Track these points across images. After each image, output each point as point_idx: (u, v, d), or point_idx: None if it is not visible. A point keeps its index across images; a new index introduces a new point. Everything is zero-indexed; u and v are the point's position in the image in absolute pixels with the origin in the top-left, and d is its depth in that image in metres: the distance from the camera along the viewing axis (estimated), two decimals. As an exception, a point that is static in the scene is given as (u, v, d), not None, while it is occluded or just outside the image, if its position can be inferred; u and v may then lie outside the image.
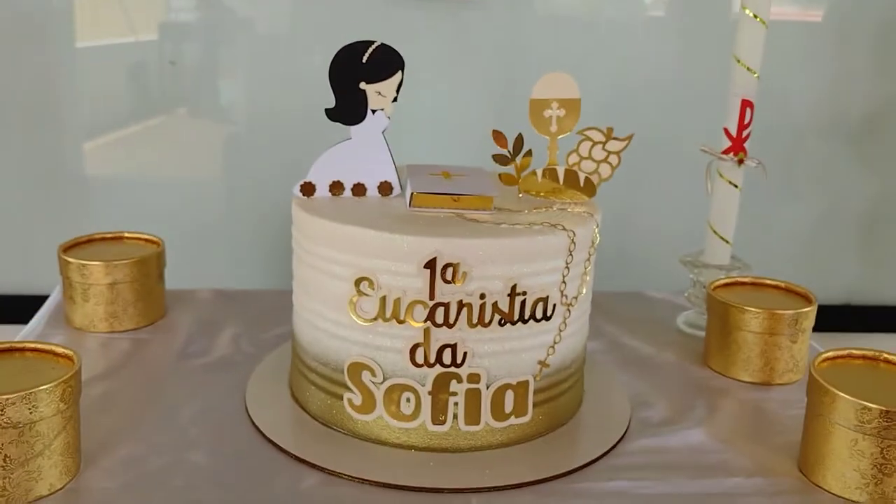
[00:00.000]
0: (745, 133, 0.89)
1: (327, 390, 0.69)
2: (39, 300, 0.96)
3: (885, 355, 0.69)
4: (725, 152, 0.90)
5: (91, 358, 0.80)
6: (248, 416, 0.71)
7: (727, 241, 0.93)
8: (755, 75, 0.87)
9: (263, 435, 0.68)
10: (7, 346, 0.64)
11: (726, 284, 0.89)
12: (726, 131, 0.89)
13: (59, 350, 0.63)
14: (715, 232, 0.93)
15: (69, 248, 0.88)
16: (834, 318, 1.29)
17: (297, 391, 0.74)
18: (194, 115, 1.10)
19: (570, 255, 0.67)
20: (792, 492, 0.65)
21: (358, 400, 0.67)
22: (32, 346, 0.64)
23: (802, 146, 1.16)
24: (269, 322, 0.91)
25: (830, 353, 0.69)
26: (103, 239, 0.91)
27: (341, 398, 0.68)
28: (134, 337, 0.86)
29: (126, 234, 0.92)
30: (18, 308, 1.06)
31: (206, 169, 1.10)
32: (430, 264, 0.62)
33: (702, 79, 1.08)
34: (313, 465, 0.64)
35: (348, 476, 0.63)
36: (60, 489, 0.60)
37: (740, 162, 0.89)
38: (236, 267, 1.11)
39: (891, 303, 1.29)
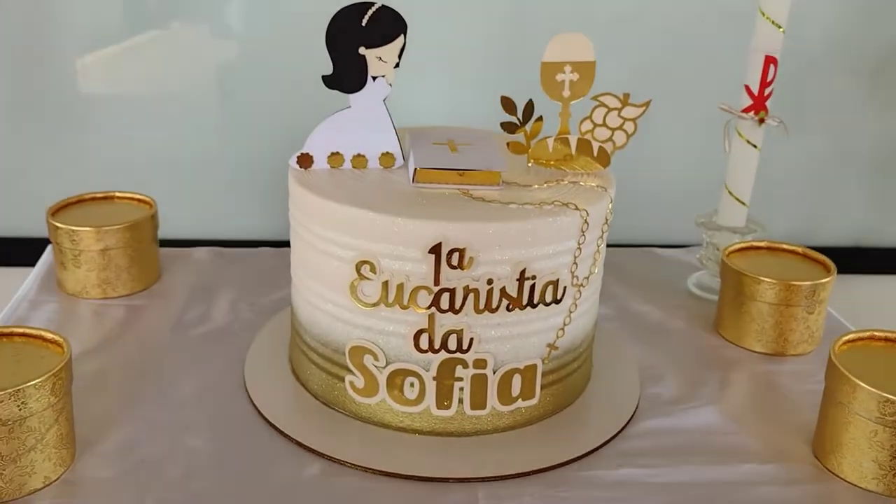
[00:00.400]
0: (767, 91, 0.84)
1: (328, 371, 0.67)
2: (31, 241, 0.94)
3: (907, 338, 0.67)
4: (746, 111, 0.85)
5: (84, 329, 0.78)
6: (248, 394, 0.69)
7: (744, 203, 0.89)
8: (781, 30, 0.81)
9: (264, 416, 0.67)
10: (-6, 331, 0.61)
11: (741, 249, 0.86)
12: (747, 89, 0.84)
13: (49, 335, 0.61)
14: (731, 193, 0.89)
15: (58, 210, 0.84)
16: (843, 260, 1.26)
17: (297, 368, 0.71)
18: (190, 28, 1.03)
19: (583, 235, 0.63)
20: (807, 480, 0.63)
21: (360, 383, 0.65)
22: (21, 331, 0.61)
23: (814, 81, 1.10)
24: (267, 285, 0.88)
25: (851, 336, 0.67)
26: (94, 199, 0.88)
27: (343, 380, 0.66)
28: (128, 303, 0.83)
29: (117, 195, 0.89)
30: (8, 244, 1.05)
31: (202, 85, 1.04)
32: (436, 249, 0.59)
33: (722, 27, 1.02)
34: (316, 452, 0.63)
35: (352, 464, 0.61)
36: (55, 480, 0.58)
37: (761, 121, 0.85)
38: (233, 190, 1.07)
39: (902, 245, 1.26)
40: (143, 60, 1.02)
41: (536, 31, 1.01)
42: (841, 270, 1.21)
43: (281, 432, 0.65)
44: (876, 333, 0.67)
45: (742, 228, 0.89)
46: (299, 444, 0.63)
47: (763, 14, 0.81)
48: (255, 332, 0.78)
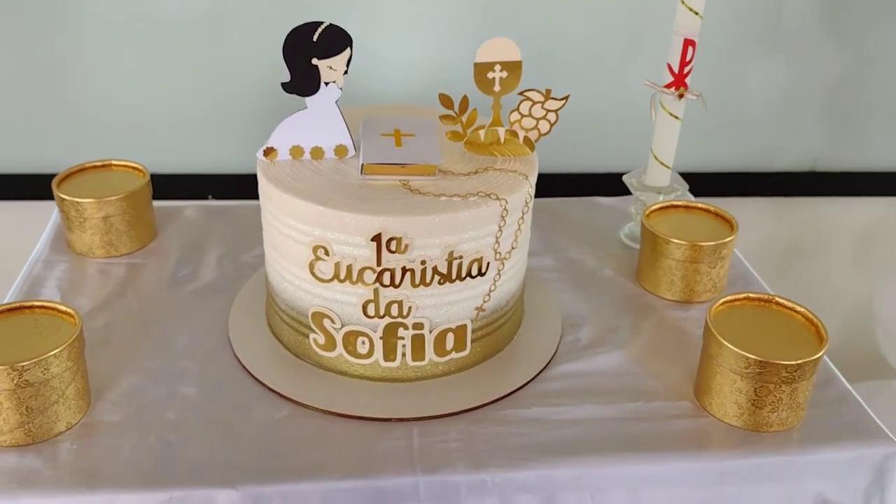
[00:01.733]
0: (686, 69, 0.94)
1: (296, 329, 0.81)
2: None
3: (778, 299, 0.80)
4: (668, 86, 0.95)
5: (92, 287, 0.91)
6: (231, 346, 0.83)
7: (667, 167, 1.00)
8: (698, 16, 0.91)
9: (244, 366, 0.81)
10: (18, 305, 0.74)
11: (661, 208, 0.98)
12: (669, 67, 0.94)
13: (63, 308, 0.74)
14: (656, 157, 1.00)
15: (62, 181, 0.96)
16: (800, 184, 1.37)
17: (272, 323, 0.85)
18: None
19: (503, 219, 0.76)
20: (684, 416, 0.77)
21: (322, 340, 0.79)
22: (40, 304, 0.75)
23: (778, 9, 1.17)
24: (250, 241, 1.00)
25: (729, 297, 0.80)
26: (93, 167, 1.00)
27: (308, 336, 0.80)
28: (129, 262, 0.96)
29: (113, 163, 1.00)
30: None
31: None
32: (377, 238, 0.72)
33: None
34: (286, 397, 0.77)
35: (315, 408, 0.76)
36: (76, 424, 0.73)
37: (681, 96, 0.95)
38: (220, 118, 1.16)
39: (855, 169, 1.36)
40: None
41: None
42: (797, 193, 1.31)
43: (258, 380, 0.79)
44: (751, 295, 0.80)
45: (665, 188, 1.01)
46: (273, 391, 0.78)
47: (683, 3, 0.91)
48: (238, 289, 0.92)
